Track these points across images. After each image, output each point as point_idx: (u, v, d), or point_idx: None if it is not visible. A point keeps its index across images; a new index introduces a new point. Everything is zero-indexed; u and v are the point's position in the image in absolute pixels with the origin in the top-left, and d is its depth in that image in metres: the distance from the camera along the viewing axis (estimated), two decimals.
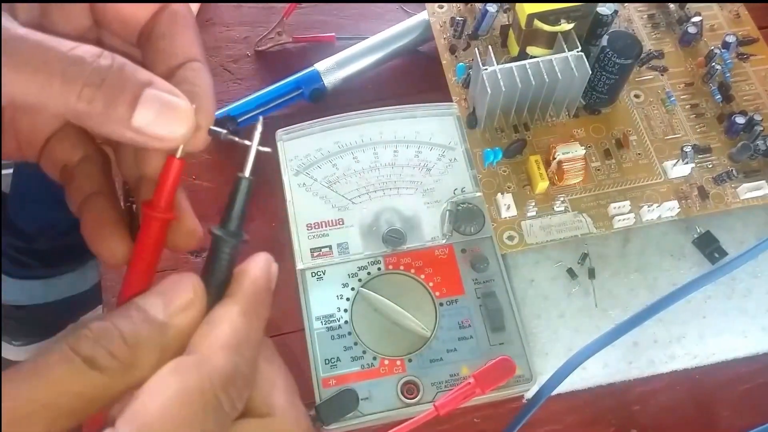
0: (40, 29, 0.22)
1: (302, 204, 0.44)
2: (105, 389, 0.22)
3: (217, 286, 0.26)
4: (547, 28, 0.44)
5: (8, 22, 0.21)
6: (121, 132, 0.23)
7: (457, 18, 0.50)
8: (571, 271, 0.44)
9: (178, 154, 0.25)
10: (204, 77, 0.25)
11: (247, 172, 0.26)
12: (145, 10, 0.26)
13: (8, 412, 0.20)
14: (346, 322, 0.41)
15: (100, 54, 0.22)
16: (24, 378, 0.21)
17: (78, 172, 0.28)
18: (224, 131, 0.26)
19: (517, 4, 0.44)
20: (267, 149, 0.26)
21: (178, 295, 0.24)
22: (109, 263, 0.27)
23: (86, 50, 0.22)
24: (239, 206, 0.26)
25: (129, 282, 0.26)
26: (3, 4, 0.23)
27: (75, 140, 0.28)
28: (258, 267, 0.26)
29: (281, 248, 0.44)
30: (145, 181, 0.27)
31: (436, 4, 0.52)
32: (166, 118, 0.23)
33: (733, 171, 0.45)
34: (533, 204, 0.44)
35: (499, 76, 0.44)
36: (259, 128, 0.26)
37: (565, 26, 0.44)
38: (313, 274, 0.42)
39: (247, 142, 0.26)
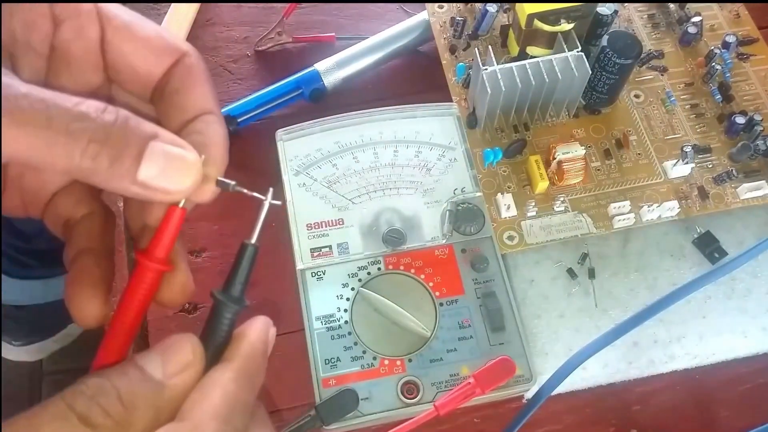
0: (46, 87, 0.21)
1: (302, 204, 0.44)
2: None
3: (215, 349, 0.26)
4: (547, 28, 0.44)
5: (10, 79, 0.21)
6: (126, 187, 0.22)
7: (457, 18, 0.50)
8: (571, 271, 0.44)
9: (181, 204, 0.25)
10: (215, 128, 0.25)
11: (254, 239, 0.26)
12: (160, 66, 0.26)
13: None
14: (346, 322, 0.41)
15: (104, 109, 0.22)
16: None
17: (77, 229, 0.28)
18: (233, 183, 0.25)
19: (517, 4, 0.44)
20: (278, 203, 0.26)
21: (176, 356, 0.24)
22: (80, 323, 0.26)
23: (90, 105, 0.21)
24: (244, 272, 0.26)
25: (111, 334, 0.26)
26: (2, 63, 0.23)
27: (80, 196, 0.28)
28: (256, 331, 0.26)
29: (281, 248, 0.44)
30: (147, 231, 0.26)
31: (436, 4, 0.52)
32: (172, 171, 0.22)
33: (733, 171, 0.45)
34: (533, 204, 0.44)
35: (499, 76, 0.44)
36: (269, 200, 0.26)
37: (565, 26, 0.44)
38: (313, 274, 0.42)
39: (257, 195, 0.26)
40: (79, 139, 0.21)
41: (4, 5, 0.23)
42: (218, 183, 0.25)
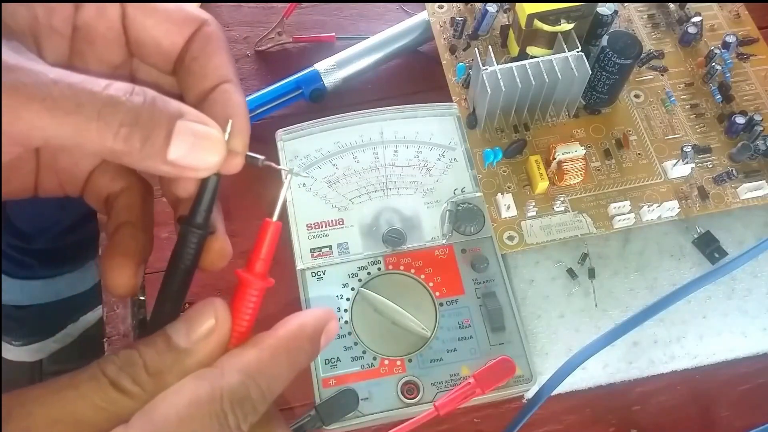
0: (69, 68, 0.22)
1: (302, 204, 0.44)
2: (128, 409, 0.23)
3: (182, 276, 0.26)
4: (547, 28, 0.44)
5: (38, 65, 0.21)
6: (157, 166, 0.23)
7: (457, 18, 0.50)
8: (571, 271, 0.44)
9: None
10: (236, 98, 0.25)
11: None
12: (181, 36, 0.26)
13: (38, 418, 0.21)
14: (346, 322, 0.41)
15: (132, 90, 0.22)
16: (54, 389, 0.22)
17: (116, 203, 0.28)
18: (262, 158, 0.26)
19: (517, 4, 0.44)
20: (306, 175, 0.27)
21: (199, 322, 0.25)
22: (113, 293, 0.27)
23: (119, 88, 0.22)
24: (206, 201, 0.26)
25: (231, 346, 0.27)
26: (28, 48, 0.23)
27: (115, 172, 0.29)
28: (312, 314, 0.27)
29: (281, 248, 0.44)
30: (183, 202, 0.27)
31: (436, 4, 0.52)
32: (199, 149, 0.23)
33: (733, 171, 0.45)
34: (533, 204, 0.44)
35: (499, 76, 0.44)
36: (289, 179, 0.27)
37: (565, 26, 0.44)
38: (313, 274, 0.42)
39: (284, 168, 0.26)
40: (110, 123, 0.21)
41: None
42: (248, 159, 0.25)
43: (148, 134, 0.22)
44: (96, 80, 0.22)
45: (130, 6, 0.25)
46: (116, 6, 0.26)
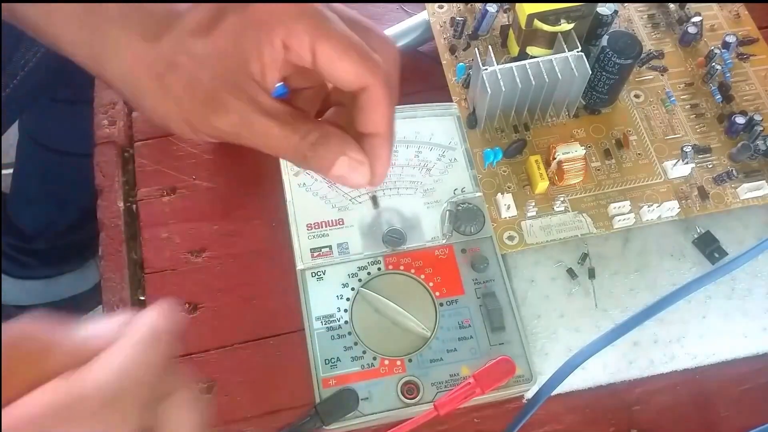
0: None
1: (302, 204, 0.44)
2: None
3: None
4: (547, 28, 0.44)
5: (277, 104, 0.32)
6: (323, 175, 0.33)
7: (457, 18, 0.50)
8: (571, 271, 0.44)
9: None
10: (383, 151, 0.33)
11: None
12: (357, 83, 0.32)
13: None
14: (346, 322, 0.41)
15: (315, 140, 0.32)
16: None
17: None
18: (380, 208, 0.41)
19: (517, 4, 0.44)
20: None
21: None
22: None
23: (309, 129, 0.31)
24: None
25: None
26: (255, 85, 0.31)
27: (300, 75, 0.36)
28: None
29: (281, 248, 0.44)
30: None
31: (436, 4, 0.52)
32: (352, 175, 0.33)
33: (733, 171, 0.45)
34: (533, 204, 0.44)
35: (499, 76, 0.44)
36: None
37: (565, 26, 0.44)
38: (313, 274, 0.42)
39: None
40: (301, 149, 0.32)
41: None
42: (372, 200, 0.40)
43: (322, 159, 0.32)
44: (302, 125, 0.32)
45: (327, 45, 0.31)
46: (312, 47, 0.31)
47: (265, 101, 0.31)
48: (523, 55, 0.46)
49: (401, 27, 0.52)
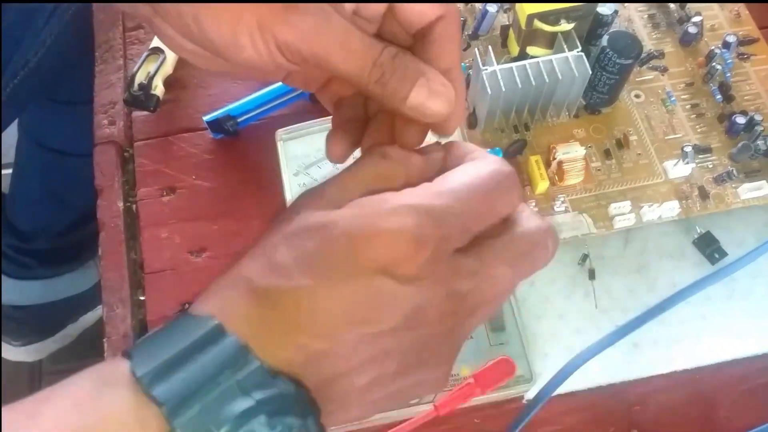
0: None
1: None
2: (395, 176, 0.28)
3: None
4: (547, 28, 0.44)
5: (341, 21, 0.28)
6: (399, 106, 0.28)
7: None
8: (571, 272, 0.43)
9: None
10: (460, 85, 0.30)
11: None
12: (431, 15, 0.30)
13: None
14: None
15: (396, 53, 0.28)
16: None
17: (347, 101, 0.33)
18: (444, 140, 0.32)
19: (517, 5, 0.44)
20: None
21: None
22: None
23: (389, 50, 0.28)
24: None
25: None
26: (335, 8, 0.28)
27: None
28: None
29: None
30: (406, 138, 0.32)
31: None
32: (432, 102, 0.29)
33: (734, 171, 0.45)
34: (534, 204, 0.44)
35: (500, 77, 0.44)
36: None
37: (565, 26, 0.44)
38: None
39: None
40: (378, 71, 0.28)
41: None
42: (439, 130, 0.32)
43: (399, 85, 0.28)
44: (374, 45, 0.28)
45: None
46: None
47: (343, 10, 0.29)
48: (523, 55, 0.46)
49: None
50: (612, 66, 0.44)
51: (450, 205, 0.26)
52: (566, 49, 0.44)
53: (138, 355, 0.24)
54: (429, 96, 0.29)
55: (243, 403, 0.23)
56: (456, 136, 0.47)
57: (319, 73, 0.33)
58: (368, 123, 0.33)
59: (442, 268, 0.25)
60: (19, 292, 0.93)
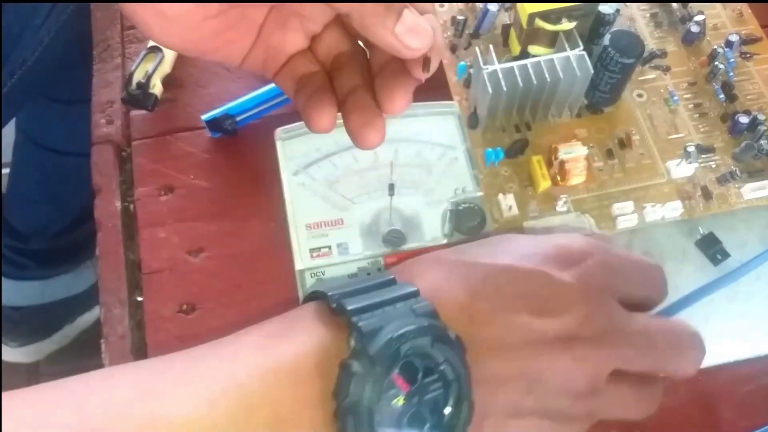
0: None
1: (301, 204, 0.44)
2: None
3: None
4: (548, 27, 0.44)
5: None
6: (384, 35, 0.30)
7: (458, 17, 0.49)
8: None
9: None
10: (436, 25, 0.32)
11: None
12: None
13: None
14: None
15: None
16: None
17: (344, 71, 0.35)
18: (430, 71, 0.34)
19: (519, 3, 0.44)
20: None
21: None
22: (368, 142, 0.33)
23: None
24: None
25: None
26: None
27: (341, 36, 0.35)
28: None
29: (280, 248, 0.44)
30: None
31: (437, 4, 0.51)
32: (415, 33, 0.30)
33: (737, 171, 0.45)
34: (535, 204, 0.44)
35: (501, 76, 0.43)
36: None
37: (567, 25, 0.44)
38: (313, 275, 0.42)
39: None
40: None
41: None
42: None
43: (387, 11, 0.30)
44: None
45: None
46: None
47: None
48: (524, 54, 0.45)
49: None
50: (614, 65, 0.44)
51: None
52: (568, 48, 0.44)
53: (322, 288, 0.32)
54: (412, 26, 0.30)
55: (416, 322, 0.29)
56: (456, 135, 0.46)
57: (280, 47, 0.34)
58: (345, 99, 0.34)
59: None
60: (16, 292, 0.93)
